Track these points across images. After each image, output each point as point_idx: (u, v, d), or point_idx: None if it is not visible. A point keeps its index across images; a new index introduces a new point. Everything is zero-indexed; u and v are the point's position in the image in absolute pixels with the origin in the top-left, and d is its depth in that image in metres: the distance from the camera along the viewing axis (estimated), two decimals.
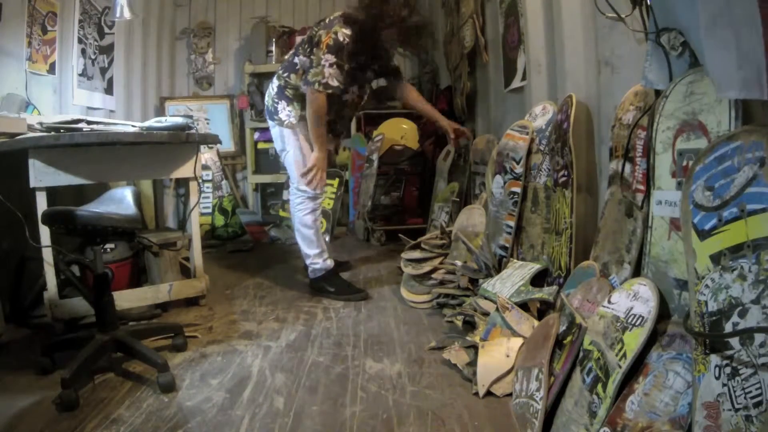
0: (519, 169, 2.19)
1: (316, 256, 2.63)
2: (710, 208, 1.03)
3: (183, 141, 2.27)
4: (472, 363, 1.70)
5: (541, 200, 2.06)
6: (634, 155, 1.48)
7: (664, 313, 1.23)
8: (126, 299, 2.25)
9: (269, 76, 4.38)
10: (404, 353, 1.91)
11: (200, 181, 2.58)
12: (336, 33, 2.28)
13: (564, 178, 1.85)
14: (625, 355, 1.17)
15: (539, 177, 2.09)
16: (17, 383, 1.74)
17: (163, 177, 3.78)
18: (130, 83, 4.06)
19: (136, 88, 4.18)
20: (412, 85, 2.92)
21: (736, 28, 0.94)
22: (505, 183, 2.26)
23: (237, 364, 1.87)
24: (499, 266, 2.20)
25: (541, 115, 2.19)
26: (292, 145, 2.57)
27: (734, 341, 0.94)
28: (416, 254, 2.60)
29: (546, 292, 1.78)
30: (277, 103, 2.56)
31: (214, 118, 4.73)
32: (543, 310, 1.78)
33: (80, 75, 3.31)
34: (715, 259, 1.00)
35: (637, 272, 1.42)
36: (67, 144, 1.98)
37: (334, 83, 2.33)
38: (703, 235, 1.04)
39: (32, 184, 2.03)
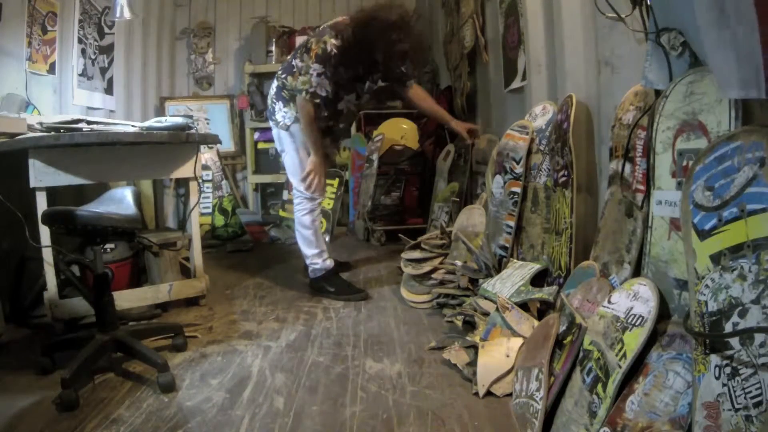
0: (519, 169, 2.19)
1: (315, 257, 2.63)
2: (710, 208, 1.03)
3: (183, 141, 2.27)
4: (472, 363, 1.70)
5: (541, 200, 2.06)
6: (634, 155, 1.48)
7: (664, 313, 1.23)
8: (126, 299, 2.25)
9: (269, 76, 4.40)
10: (404, 353, 1.91)
11: (200, 181, 2.59)
12: (325, 43, 2.26)
13: (564, 178, 1.85)
14: (625, 355, 1.17)
15: (539, 177, 2.09)
16: (17, 383, 1.74)
17: (163, 177, 3.78)
18: (130, 83, 4.06)
19: (136, 88, 4.18)
20: (420, 87, 2.82)
21: (733, 28, 0.94)
22: (505, 183, 2.26)
23: (237, 364, 1.87)
24: (499, 266, 2.20)
25: (541, 115, 2.19)
26: (289, 148, 2.57)
27: (734, 341, 0.93)
28: (416, 254, 2.60)
29: (546, 292, 1.78)
30: (275, 104, 2.56)
31: (214, 118, 4.73)
32: (543, 310, 1.78)
33: (80, 75, 3.31)
34: (715, 259, 1.00)
35: (637, 272, 1.42)
36: (67, 144, 1.98)
37: (322, 93, 2.32)
38: (703, 235, 1.04)
39: (32, 184, 2.03)
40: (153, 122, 2.35)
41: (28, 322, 2.28)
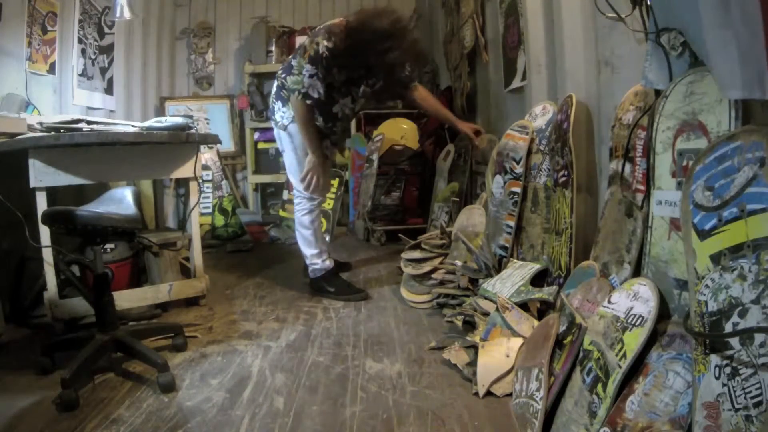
0: (519, 169, 2.19)
1: (314, 257, 2.63)
2: (710, 208, 1.03)
3: (183, 141, 2.27)
4: (472, 363, 1.70)
5: (541, 200, 2.06)
6: (634, 155, 1.48)
7: (664, 313, 1.23)
8: (126, 299, 2.25)
9: (269, 76, 4.42)
10: (404, 353, 1.91)
11: (200, 181, 2.59)
12: (317, 44, 2.24)
13: (564, 178, 1.85)
14: (625, 355, 1.17)
15: (539, 177, 2.09)
16: (17, 383, 1.74)
17: (163, 177, 3.78)
18: (130, 83, 4.06)
19: (136, 88, 4.18)
20: (424, 88, 2.78)
21: (737, 29, 0.94)
22: (505, 183, 2.26)
23: (237, 364, 1.87)
24: (499, 266, 2.20)
25: (541, 115, 2.19)
26: (288, 147, 2.57)
27: (734, 341, 0.93)
28: (416, 254, 2.60)
29: (546, 292, 1.78)
30: (275, 103, 2.56)
31: (214, 118, 4.73)
32: (543, 310, 1.78)
33: (80, 75, 3.31)
34: (715, 259, 1.00)
35: (637, 272, 1.42)
36: (67, 144, 1.98)
37: (314, 94, 2.31)
38: (703, 235, 1.04)
39: (32, 184, 2.03)
40: (153, 122, 2.35)
41: (28, 322, 2.28)
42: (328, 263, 2.66)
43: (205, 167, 4.39)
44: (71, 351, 1.73)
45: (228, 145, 4.71)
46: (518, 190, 2.18)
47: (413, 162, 3.93)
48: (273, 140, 3.40)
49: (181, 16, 4.82)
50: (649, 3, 1.33)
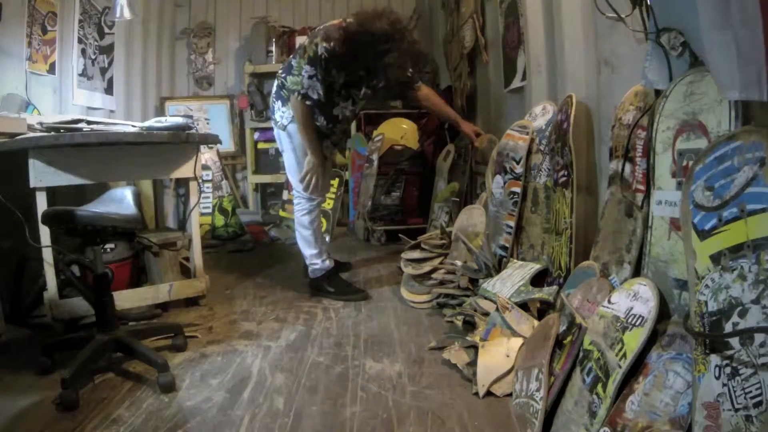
0: (519, 169, 2.19)
1: (314, 257, 2.63)
2: (710, 208, 1.03)
3: (183, 141, 2.27)
4: (472, 363, 1.70)
5: (541, 200, 2.06)
6: (634, 155, 1.48)
7: (664, 313, 1.23)
8: (126, 299, 2.25)
9: (269, 76, 4.42)
10: (404, 353, 1.91)
11: (200, 181, 2.59)
12: (316, 45, 2.24)
13: (564, 178, 1.85)
14: (625, 355, 1.17)
15: (539, 177, 2.09)
16: (17, 383, 1.74)
17: (163, 177, 3.78)
18: (130, 83, 4.06)
19: (136, 88, 4.18)
20: (428, 87, 2.76)
21: (736, 29, 0.94)
22: (505, 183, 2.26)
23: (237, 364, 1.87)
24: (499, 266, 2.20)
25: (541, 115, 2.19)
26: (287, 147, 2.57)
27: (734, 341, 0.93)
28: (416, 254, 2.60)
29: (546, 292, 1.78)
30: (275, 103, 2.56)
31: (214, 118, 4.73)
32: (543, 310, 1.78)
33: (80, 75, 3.31)
34: (715, 259, 1.00)
35: (637, 272, 1.42)
36: (67, 144, 1.99)
37: (314, 95, 2.31)
38: (703, 235, 1.04)
39: (32, 184, 2.03)
40: (153, 122, 2.35)
41: (28, 322, 2.28)
42: (328, 263, 2.66)
43: (205, 167, 4.39)
44: (71, 351, 1.73)
45: (228, 145, 4.71)
46: (518, 190, 2.18)
47: (413, 162, 3.93)
48: (273, 140, 3.40)
49: (181, 16, 4.81)
50: (649, 3, 1.33)
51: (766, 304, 0.89)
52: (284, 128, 2.53)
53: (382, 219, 3.92)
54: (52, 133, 2.02)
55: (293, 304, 2.54)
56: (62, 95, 3.12)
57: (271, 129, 2.74)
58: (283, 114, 2.52)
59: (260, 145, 4.73)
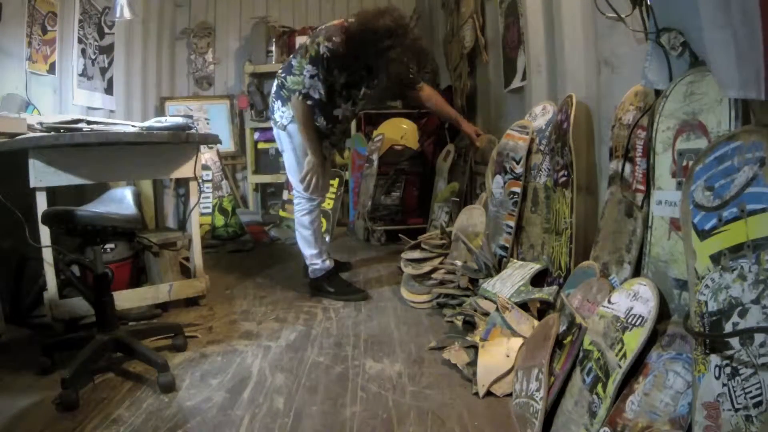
0: (519, 169, 2.19)
1: (314, 257, 2.63)
2: (710, 208, 1.03)
3: (183, 141, 2.27)
4: (472, 363, 1.70)
5: (541, 200, 2.06)
6: (634, 155, 1.48)
7: (664, 313, 1.23)
8: (126, 299, 2.25)
9: (269, 76, 4.42)
10: (404, 353, 1.91)
11: (200, 181, 2.59)
12: (318, 45, 2.24)
13: (564, 178, 1.85)
14: (625, 355, 1.17)
15: (539, 177, 2.09)
16: (17, 383, 1.74)
17: (163, 177, 3.78)
18: (130, 83, 4.06)
19: (136, 88, 4.18)
20: (430, 87, 2.75)
21: (736, 28, 0.94)
22: (505, 183, 2.26)
23: (237, 364, 1.87)
24: (499, 266, 2.20)
25: (541, 115, 2.19)
26: (287, 147, 2.57)
27: (734, 341, 0.93)
28: (416, 254, 2.60)
29: (546, 292, 1.78)
30: (275, 103, 2.56)
31: (214, 118, 4.73)
32: (543, 310, 1.78)
33: (80, 75, 3.31)
34: (715, 259, 1.00)
35: (637, 272, 1.42)
36: (67, 144, 1.99)
37: (315, 95, 2.31)
38: (703, 235, 1.04)
39: (32, 184, 2.03)
40: (153, 122, 2.35)
41: (28, 322, 2.28)
42: (328, 263, 2.66)
43: (205, 167, 4.39)
44: (71, 351, 1.73)
45: (228, 145, 4.71)
46: (518, 190, 2.18)
47: (413, 162, 3.93)
48: (273, 140, 3.40)
49: (181, 16, 4.81)
50: (649, 3, 1.33)
51: (766, 304, 0.89)
52: (284, 128, 2.53)
53: (382, 219, 3.92)
54: (52, 133, 2.02)
55: (293, 304, 2.54)
56: (62, 95, 3.12)
57: (271, 129, 2.74)
58: (283, 114, 2.52)
59: (260, 145, 4.73)
